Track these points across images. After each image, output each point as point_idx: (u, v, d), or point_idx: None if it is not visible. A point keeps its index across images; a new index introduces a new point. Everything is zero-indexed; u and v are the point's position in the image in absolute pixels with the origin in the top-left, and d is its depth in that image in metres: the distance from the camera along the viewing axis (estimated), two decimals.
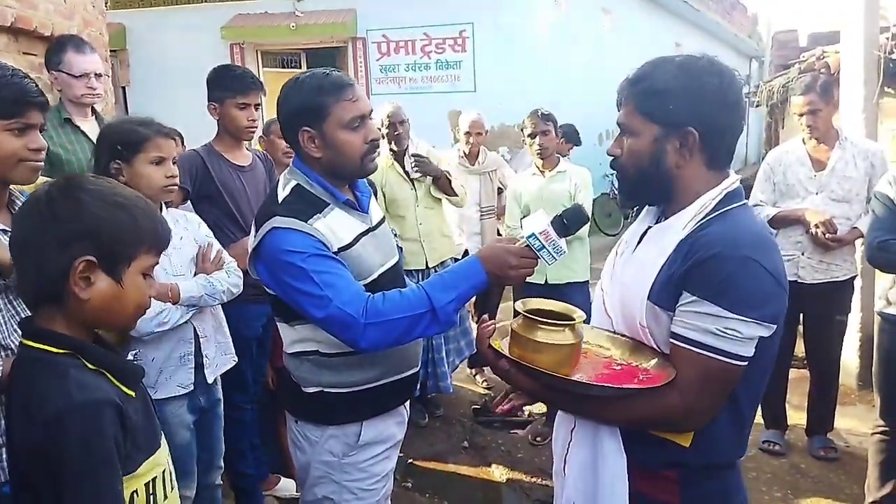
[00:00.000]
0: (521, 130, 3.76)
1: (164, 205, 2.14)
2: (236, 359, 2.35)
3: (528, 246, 1.51)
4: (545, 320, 1.30)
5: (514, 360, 1.32)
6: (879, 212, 2.60)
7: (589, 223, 3.75)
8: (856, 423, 3.65)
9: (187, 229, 2.21)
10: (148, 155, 1.99)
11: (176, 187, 2.11)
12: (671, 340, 1.27)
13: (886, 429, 2.73)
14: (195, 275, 2.16)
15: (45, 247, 1.09)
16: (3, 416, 1.17)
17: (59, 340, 1.12)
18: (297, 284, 1.54)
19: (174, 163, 2.07)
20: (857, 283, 3.96)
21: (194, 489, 2.22)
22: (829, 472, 3.26)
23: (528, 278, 3.94)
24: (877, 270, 2.94)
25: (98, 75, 2.66)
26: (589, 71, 10.18)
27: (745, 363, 1.22)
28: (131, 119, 2.11)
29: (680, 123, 1.28)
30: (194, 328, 2.13)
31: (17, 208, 1.57)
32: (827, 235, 3.11)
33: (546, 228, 1.48)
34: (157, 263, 1.22)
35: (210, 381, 2.20)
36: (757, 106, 8.60)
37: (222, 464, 2.42)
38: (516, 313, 1.37)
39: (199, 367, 2.15)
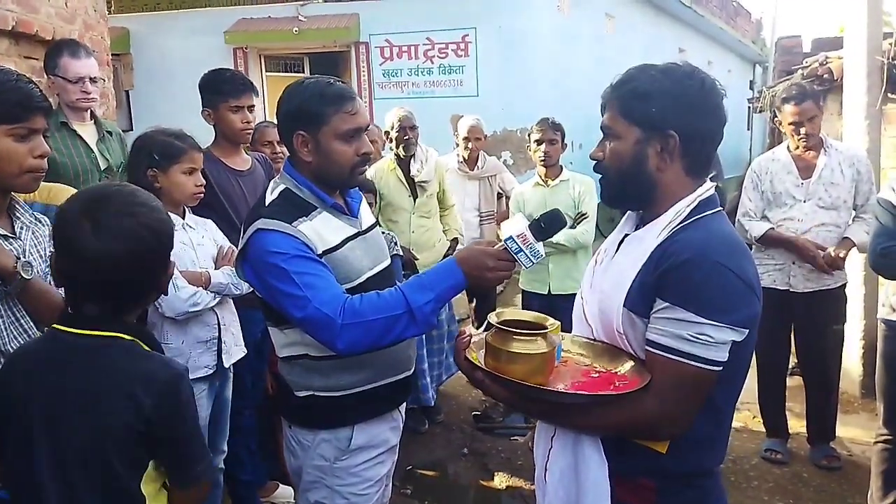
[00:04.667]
0: (528, 136, 3.75)
1: (186, 209, 2.39)
2: (245, 350, 2.50)
3: (505, 249, 1.52)
4: (517, 331, 1.32)
5: (489, 371, 1.33)
6: (883, 218, 2.58)
7: (593, 228, 3.65)
8: (859, 431, 3.63)
9: (207, 230, 2.46)
10: (182, 166, 2.25)
11: (202, 194, 2.36)
12: (646, 347, 1.28)
13: (890, 437, 2.71)
14: (216, 269, 2.38)
15: (158, 264, 1.29)
16: (67, 409, 1.23)
17: (128, 328, 1.28)
18: (279, 285, 1.56)
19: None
20: (861, 291, 3.96)
21: None
22: (831, 482, 3.23)
23: (532, 288, 3.94)
24: (880, 277, 2.92)
25: (93, 80, 2.66)
26: (592, 76, 10.15)
27: (720, 368, 1.23)
28: (167, 131, 2.32)
29: (661, 126, 1.30)
30: (217, 316, 2.35)
31: (17, 213, 1.58)
32: (826, 261, 3.12)
33: (523, 231, 1.50)
34: None
35: (226, 365, 2.40)
36: (760, 111, 8.56)
37: (226, 447, 2.55)
38: (489, 325, 1.38)
39: (218, 353, 2.37)
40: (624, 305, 1.30)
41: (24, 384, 1.25)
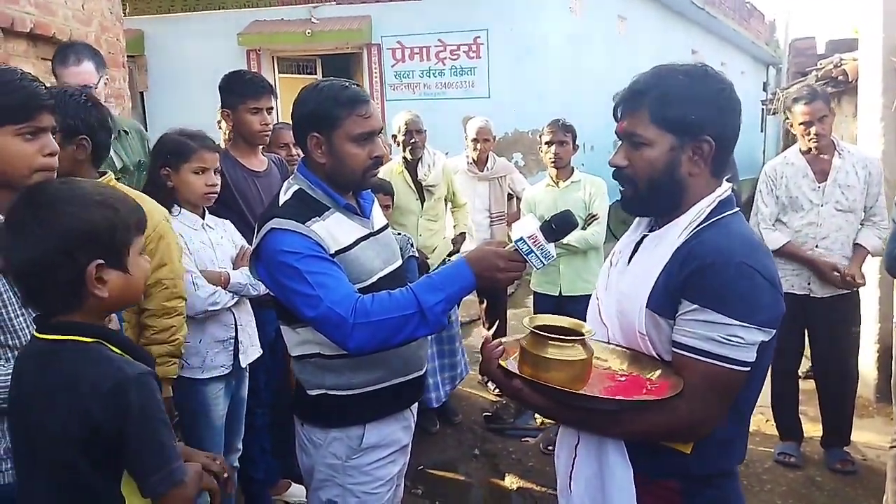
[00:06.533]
0: (539, 137, 3.75)
1: (205, 209, 2.40)
2: (261, 350, 2.53)
3: (516, 250, 1.51)
4: (556, 336, 1.29)
5: (527, 378, 1.30)
6: None
7: (603, 230, 3.62)
8: (873, 436, 3.59)
9: (226, 230, 2.49)
10: (192, 165, 2.28)
11: (215, 195, 2.36)
12: (674, 350, 1.27)
13: None
14: (234, 269, 2.39)
15: (53, 262, 1.17)
16: (28, 412, 1.23)
17: (87, 330, 1.22)
18: (292, 284, 1.57)
19: (216, 172, 2.35)
20: (876, 294, 3.92)
21: None
22: (845, 486, 3.20)
23: (543, 290, 3.93)
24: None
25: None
26: (603, 77, 10.13)
27: (748, 369, 1.23)
28: (184, 131, 2.35)
29: (697, 132, 1.29)
30: (234, 316, 2.37)
31: None
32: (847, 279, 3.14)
33: (534, 233, 1.49)
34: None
35: (243, 365, 2.42)
36: (773, 113, 8.52)
37: (241, 446, 2.57)
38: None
39: (235, 353, 2.38)
40: (647, 306, 1.29)
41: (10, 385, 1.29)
